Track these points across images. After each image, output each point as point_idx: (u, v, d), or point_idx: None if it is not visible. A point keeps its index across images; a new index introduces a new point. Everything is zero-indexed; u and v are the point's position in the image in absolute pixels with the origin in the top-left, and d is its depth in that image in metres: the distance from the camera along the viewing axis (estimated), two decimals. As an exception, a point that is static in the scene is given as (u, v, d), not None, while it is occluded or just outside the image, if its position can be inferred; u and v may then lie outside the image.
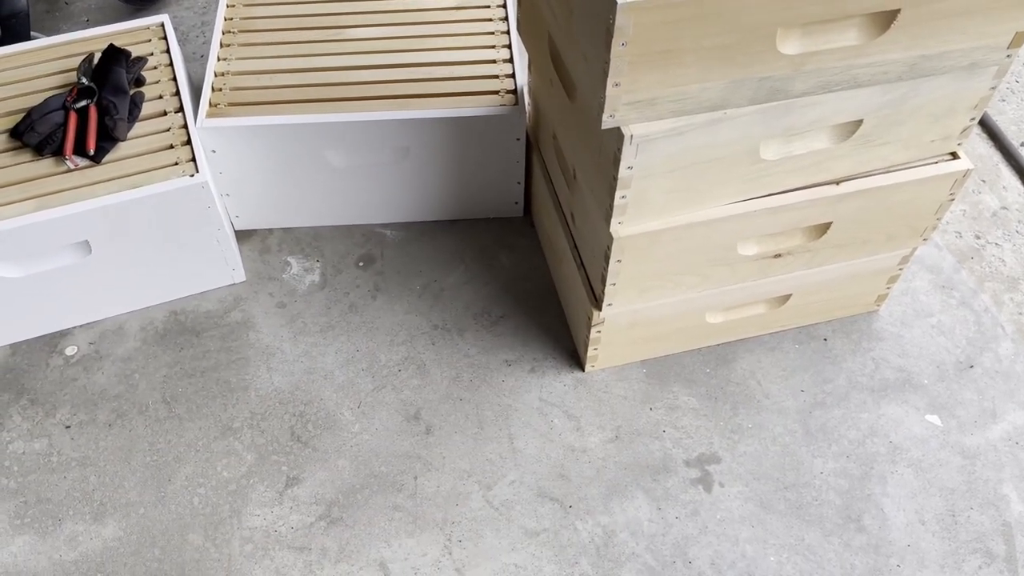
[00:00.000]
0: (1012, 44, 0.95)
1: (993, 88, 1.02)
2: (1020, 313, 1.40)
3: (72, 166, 1.24)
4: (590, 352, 1.26)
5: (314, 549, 1.14)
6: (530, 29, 1.19)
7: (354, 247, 1.46)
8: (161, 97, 1.33)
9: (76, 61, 1.36)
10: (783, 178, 1.06)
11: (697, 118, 0.94)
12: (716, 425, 1.26)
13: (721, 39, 0.85)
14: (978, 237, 1.50)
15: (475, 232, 1.48)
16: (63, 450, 1.23)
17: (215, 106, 1.33)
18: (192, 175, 1.23)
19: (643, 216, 1.04)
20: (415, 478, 1.21)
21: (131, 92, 1.31)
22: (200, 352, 1.33)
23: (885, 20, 0.88)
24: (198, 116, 1.30)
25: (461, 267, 1.44)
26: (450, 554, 1.14)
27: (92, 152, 1.24)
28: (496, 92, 1.35)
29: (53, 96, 1.29)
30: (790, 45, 0.88)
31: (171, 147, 1.27)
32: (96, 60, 1.34)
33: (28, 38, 1.55)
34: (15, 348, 1.33)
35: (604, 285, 1.12)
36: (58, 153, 1.25)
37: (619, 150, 0.94)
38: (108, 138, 1.26)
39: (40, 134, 1.25)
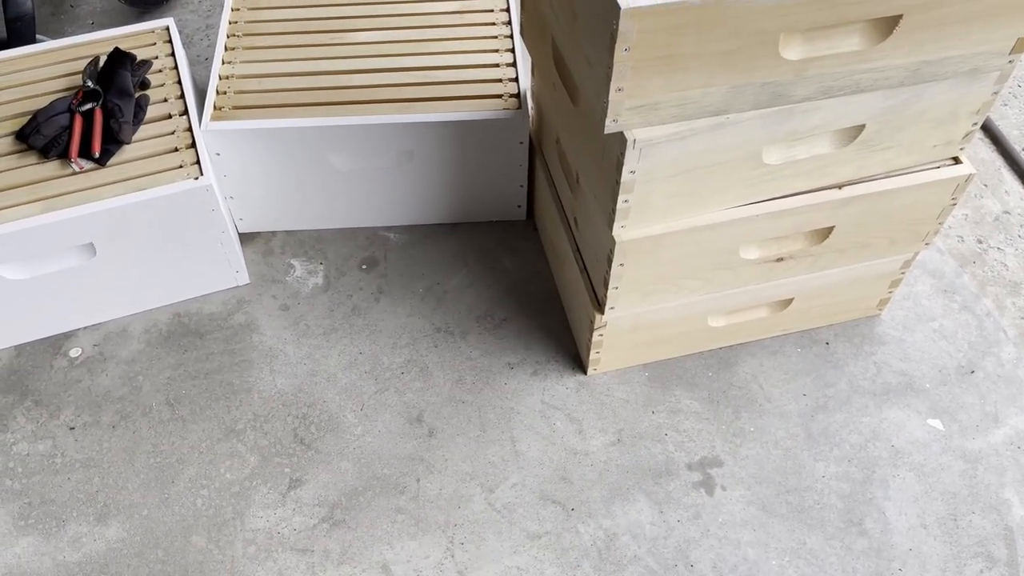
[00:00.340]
0: (1014, 49, 0.96)
1: (995, 93, 1.03)
2: (1022, 317, 1.40)
3: (77, 169, 1.24)
4: (592, 355, 1.27)
5: (316, 551, 1.15)
6: (533, 33, 1.19)
7: (357, 250, 1.47)
8: (166, 100, 1.34)
9: (81, 64, 1.37)
10: (785, 182, 1.07)
11: (700, 123, 0.94)
12: (718, 428, 1.26)
13: (724, 44, 0.85)
14: (980, 241, 1.50)
15: (478, 235, 1.49)
16: (67, 451, 1.23)
17: (219, 109, 1.33)
18: (196, 178, 1.24)
19: (646, 220, 1.04)
20: (417, 480, 1.21)
21: (136, 95, 1.31)
22: (204, 354, 1.33)
23: (887, 26, 0.89)
24: (202, 119, 1.31)
25: (464, 270, 1.44)
26: (452, 556, 1.14)
27: (97, 155, 1.24)
28: (499, 96, 1.36)
29: (58, 99, 1.30)
30: (793, 50, 0.88)
31: (176, 150, 1.28)
32: (101, 63, 1.35)
33: (33, 41, 1.56)
34: (20, 349, 1.34)
35: (606, 289, 1.13)
36: (63, 156, 1.26)
37: (622, 154, 0.94)
38: (113, 141, 1.26)
39: (45, 137, 1.26)
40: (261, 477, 1.21)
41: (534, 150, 1.39)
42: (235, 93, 1.36)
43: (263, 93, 1.36)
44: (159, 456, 1.23)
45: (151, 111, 1.32)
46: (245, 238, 1.48)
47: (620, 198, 0.99)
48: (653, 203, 1.02)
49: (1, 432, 1.25)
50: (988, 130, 1.68)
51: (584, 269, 1.21)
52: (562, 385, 1.30)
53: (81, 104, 1.28)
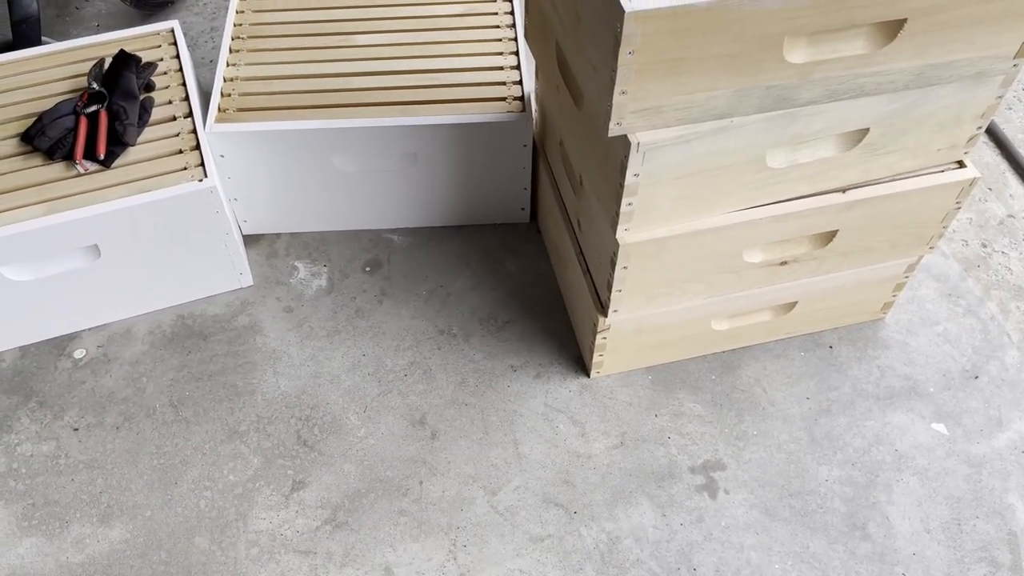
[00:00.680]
0: (1019, 54, 0.96)
1: (1000, 97, 1.03)
2: (1026, 322, 1.40)
3: (82, 170, 1.25)
4: (596, 358, 1.27)
5: (319, 553, 1.15)
6: (538, 36, 1.19)
7: (361, 252, 1.47)
8: (171, 102, 1.34)
9: (87, 66, 1.37)
10: (789, 186, 1.06)
11: (704, 126, 0.94)
12: (721, 432, 1.26)
13: (728, 48, 0.85)
14: (984, 245, 1.50)
15: (481, 238, 1.49)
16: (71, 452, 1.24)
17: (224, 111, 1.33)
18: (201, 180, 1.24)
19: (649, 223, 1.04)
20: (420, 483, 1.21)
21: (141, 97, 1.32)
22: (207, 356, 1.34)
23: (892, 29, 0.89)
24: (207, 121, 1.31)
25: (467, 272, 1.44)
26: (455, 559, 1.14)
27: (102, 156, 1.25)
28: (503, 99, 1.36)
29: (64, 101, 1.30)
30: (797, 54, 0.88)
31: (180, 152, 1.28)
32: (107, 65, 1.35)
33: (39, 43, 1.56)
34: (24, 351, 1.34)
35: (610, 292, 1.13)
36: (68, 157, 1.26)
37: (626, 158, 0.94)
38: (118, 143, 1.27)
39: (51, 138, 1.26)
40: (264, 479, 1.21)
41: (538, 153, 1.40)
42: (239, 95, 1.36)
43: (267, 95, 1.36)
44: (162, 457, 1.23)
45: (156, 113, 1.32)
46: (249, 240, 1.48)
47: (624, 201, 0.99)
48: (657, 206, 1.02)
49: (5, 433, 1.26)
50: (993, 134, 1.68)
51: (587, 272, 1.21)
52: (565, 388, 1.30)
53: (86, 106, 1.29)
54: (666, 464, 1.23)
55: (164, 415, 1.27)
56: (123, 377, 1.31)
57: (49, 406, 1.28)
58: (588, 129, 1.05)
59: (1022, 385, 1.31)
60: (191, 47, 1.80)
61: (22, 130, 1.29)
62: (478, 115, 1.32)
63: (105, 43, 1.42)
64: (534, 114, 1.37)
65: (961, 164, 1.12)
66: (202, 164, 1.26)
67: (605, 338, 1.22)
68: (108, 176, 1.25)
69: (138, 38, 1.43)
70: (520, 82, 1.39)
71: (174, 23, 1.46)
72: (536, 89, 1.35)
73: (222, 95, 1.36)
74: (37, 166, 1.26)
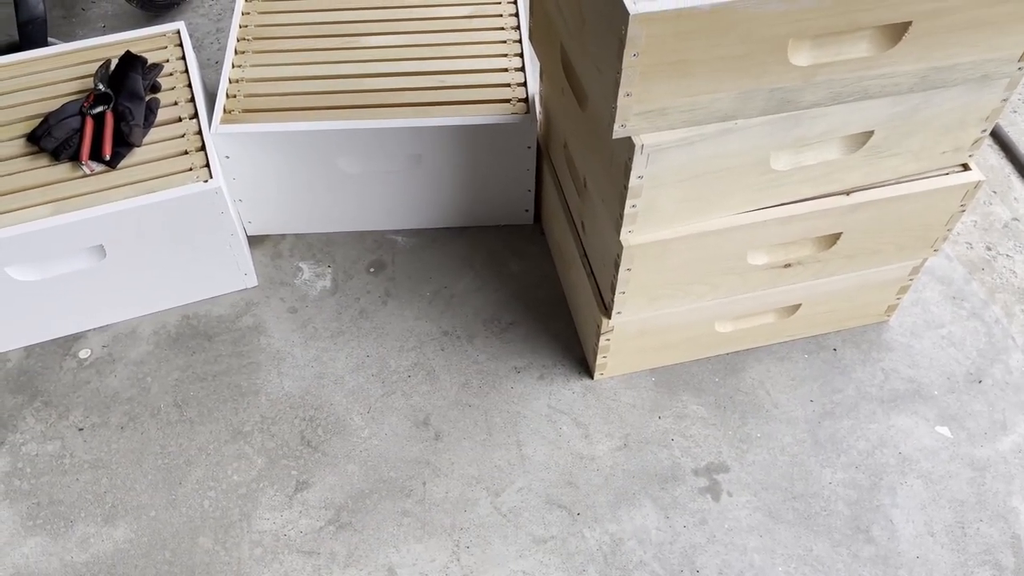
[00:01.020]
0: (1024, 57, 0.96)
1: (1005, 100, 1.03)
2: (1031, 325, 1.39)
3: (88, 171, 1.25)
4: (599, 360, 1.27)
5: (323, 553, 1.15)
6: (542, 38, 1.19)
7: (365, 253, 1.47)
8: (176, 103, 1.35)
9: (93, 67, 1.38)
10: (793, 188, 1.06)
11: (708, 128, 0.94)
12: (724, 434, 1.26)
13: (732, 50, 0.85)
14: (989, 248, 1.50)
15: (485, 239, 1.49)
16: (76, 452, 1.24)
17: (229, 112, 1.34)
18: (206, 181, 1.25)
19: (653, 225, 1.04)
20: (424, 484, 1.21)
21: (147, 98, 1.32)
22: (212, 356, 1.34)
23: (896, 32, 0.89)
24: (212, 122, 1.32)
25: (471, 274, 1.45)
26: (458, 560, 1.14)
27: (108, 157, 1.25)
28: (508, 100, 1.36)
29: (70, 102, 1.31)
30: (801, 56, 0.88)
31: (185, 153, 1.28)
32: (113, 66, 1.36)
33: (45, 44, 1.57)
34: (29, 351, 1.35)
35: (613, 293, 1.13)
36: (75, 158, 1.26)
37: (630, 159, 0.94)
38: (124, 144, 1.27)
39: (57, 139, 1.26)
40: (268, 479, 1.21)
41: (542, 154, 1.40)
42: (245, 96, 1.37)
43: (273, 96, 1.37)
44: (167, 457, 1.23)
45: (161, 114, 1.33)
46: (254, 241, 1.48)
47: (628, 203, 1.00)
48: (661, 208, 1.02)
49: (10, 432, 1.26)
50: (997, 137, 1.67)
51: (591, 274, 1.21)
52: (568, 389, 1.30)
53: (92, 107, 1.29)
54: (669, 466, 1.23)
55: (168, 415, 1.28)
56: (128, 377, 1.32)
57: (54, 406, 1.29)
58: (592, 131, 1.05)
59: (1026, 388, 1.31)
60: (197, 48, 1.81)
61: (28, 131, 1.29)
62: (483, 117, 1.33)
63: (111, 44, 1.43)
64: (538, 116, 1.37)
65: (966, 167, 1.12)
66: (207, 165, 1.27)
67: (609, 340, 1.22)
68: (114, 177, 1.25)
69: (144, 39, 1.44)
70: (524, 84, 1.39)
71: (180, 24, 1.46)
72: (540, 91, 1.35)
73: (227, 96, 1.36)
74: (43, 167, 1.26)
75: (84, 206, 1.21)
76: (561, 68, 1.12)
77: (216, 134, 1.30)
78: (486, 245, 1.48)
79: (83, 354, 1.34)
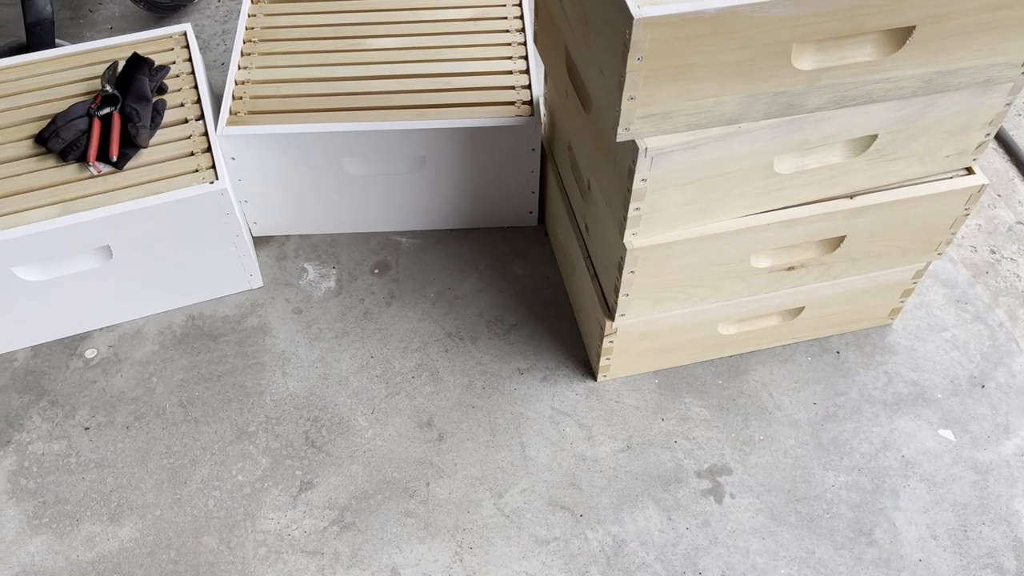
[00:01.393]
0: (1028, 61, 0.96)
1: (1008, 104, 1.03)
2: (1035, 328, 1.39)
3: (95, 172, 1.26)
4: (602, 362, 1.27)
5: (327, 553, 1.15)
6: (547, 41, 1.20)
7: (370, 254, 1.48)
8: (183, 105, 1.36)
9: (100, 69, 1.39)
10: (797, 192, 1.07)
11: (712, 132, 0.94)
12: (727, 436, 1.26)
13: (736, 54, 0.86)
14: (993, 252, 1.50)
15: (489, 241, 1.50)
16: (81, 451, 1.25)
17: (235, 114, 1.34)
18: (212, 182, 1.25)
19: (657, 228, 1.05)
20: (427, 484, 1.21)
21: (153, 100, 1.33)
22: (217, 356, 1.35)
23: (900, 37, 0.89)
24: (218, 124, 1.32)
25: (475, 275, 1.45)
26: (461, 561, 1.15)
27: (115, 158, 1.26)
28: (512, 103, 1.36)
29: (77, 103, 1.32)
30: (805, 61, 0.89)
31: (192, 154, 1.29)
32: (120, 68, 1.36)
33: (53, 45, 1.57)
34: (36, 350, 1.36)
35: (617, 296, 1.13)
36: (82, 159, 1.27)
37: (634, 163, 0.95)
38: (131, 145, 1.28)
39: (64, 140, 1.27)
40: (272, 479, 1.22)
41: (546, 157, 1.40)
42: (251, 98, 1.37)
43: (278, 98, 1.37)
44: (172, 457, 1.24)
45: (168, 115, 1.34)
46: (259, 242, 1.49)
47: (631, 206, 1.00)
48: (664, 211, 1.02)
49: (17, 431, 1.27)
50: (1001, 140, 1.67)
51: (595, 276, 1.22)
52: (572, 391, 1.31)
53: (99, 108, 1.30)
54: (672, 468, 1.23)
55: (174, 415, 1.28)
56: (133, 377, 1.32)
57: (60, 405, 1.29)
58: (596, 134, 1.06)
59: (1030, 392, 1.31)
60: (203, 50, 1.81)
61: (36, 132, 1.30)
62: (487, 119, 1.33)
63: (118, 46, 1.43)
64: (543, 118, 1.38)
65: (970, 171, 1.12)
66: (213, 166, 1.27)
67: (612, 342, 1.23)
68: (120, 178, 1.26)
69: (151, 41, 1.45)
70: (529, 86, 1.39)
71: (187, 26, 1.47)
72: (545, 93, 1.36)
73: (233, 98, 1.37)
74: (50, 167, 1.27)
75: (91, 207, 1.22)
76: (565, 71, 1.13)
77: (222, 135, 1.31)
78: (490, 247, 1.49)
79: (89, 354, 1.35)
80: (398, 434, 1.26)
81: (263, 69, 1.42)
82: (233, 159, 1.34)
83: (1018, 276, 1.46)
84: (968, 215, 1.16)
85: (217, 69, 1.78)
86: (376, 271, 1.46)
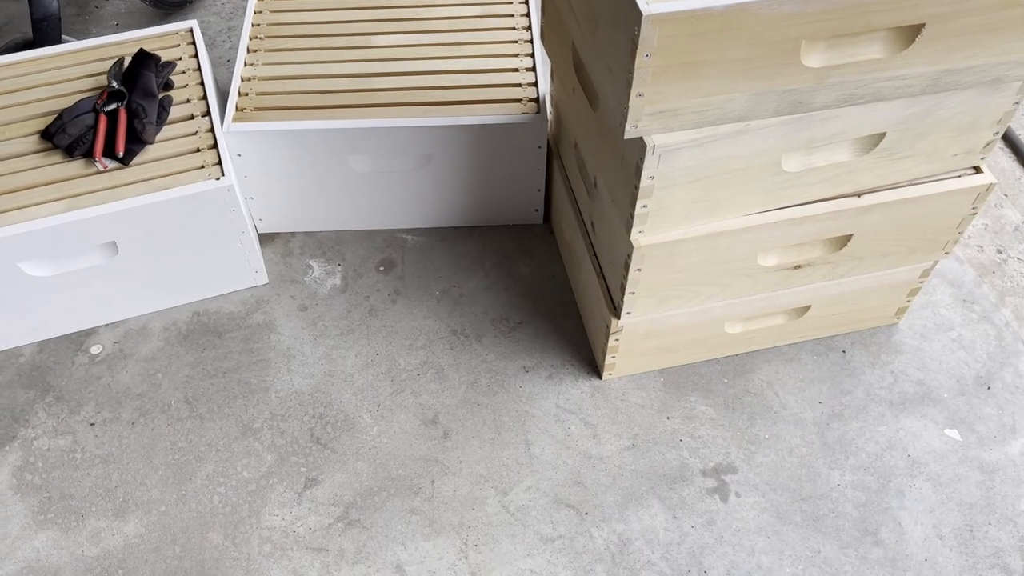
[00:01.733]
0: (1037, 59, 0.95)
1: (1017, 103, 1.02)
2: (1042, 328, 1.39)
3: (101, 168, 1.26)
4: (608, 360, 1.27)
5: (331, 550, 1.15)
6: (554, 38, 1.20)
7: (375, 251, 1.48)
8: (189, 101, 1.36)
9: (106, 65, 1.39)
10: (804, 190, 1.06)
11: (719, 129, 0.94)
12: (733, 435, 1.26)
13: (745, 52, 0.85)
14: (1000, 251, 1.49)
15: (495, 238, 1.49)
16: (87, 447, 1.25)
17: (241, 111, 1.34)
18: (218, 178, 1.25)
19: (664, 226, 1.05)
20: (432, 482, 1.21)
21: (159, 96, 1.33)
22: (222, 353, 1.35)
23: (909, 34, 0.89)
24: (224, 120, 1.32)
25: (480, 273, 1.45)
26: (466, 558, 1.15)
27: (121, 154, 1.26)
28: (519, 100, 1.36)
29: (84, 99, 1.32)
30: (814, 58, 0.88)
31: (197, 151, 1.29)
32: (126, 64, 1.37)
33: (59, 41, 1.58)
34: (42, 346, 1.36)
35: (623, 293, 1.13)
36: (88, 155, 1.27)
37: (641, 160, 0.95)
38: (137, 141, 1.28)
39: (70, 136, 1.27)
40: (277, 476, 1.22)
41: (552, 154, 1.40)
42: (257, 95, 1.37)
43: (284, 95, 1.37)
44: (177, 453, 1.24)
45: (174, 112, 1.34)
46: (264, 238, 1.49)
47: (638, 203, 1.00)
48: (671, 209, 1.02)
49: (22, 427, 1.27)
50: (1009, 140, 1.67)
51: (601, 274, 1.22)
52: (577, 389, 1.31)
53: (106, 104, 1.30)
54: (677, 466, 1.23)
55: (179, 411, 1.28)
56: (139, 373, 1.33)
57: (66, 401, 1.30)
58: (603, 131, 1.06)
59: (1036, 392, 1.30)
60: (209, 46, 1.81)
61: (42, 128, 1.30)
62: (493, 116, 1.33)
63: (124, 42, 1.43)
64: (549, 116, 1.37)
65: (977, 170, 1.12)
66: (219, 163, 1.27)
67: (618, 340, 1.22)
68: (126, 174, 1.26)
69: (157, 37, 1.45)
70: (535, 84, 1.39)
71: (193, 23, 1.47)
72: (551, 91, 1.36)
73: (239, 94, 1.37)
74: (57, 163, 1.27)
75: (97, 203, 1.22)
76: (572, 68, 1.12)
77: (228, 132, 1.31)
78: (496, 244, 1.49)
79: (95, 350, 1.35)
80: (403, 431, 1.26)
81: (269, 66, 1.42)
82: (239, 155, 1.34)
83: (1025, 276, 1.46)
84: (975, 214, 1.16)
85: (223, 66, 1.78)
86: (381, 268, 1.46)
